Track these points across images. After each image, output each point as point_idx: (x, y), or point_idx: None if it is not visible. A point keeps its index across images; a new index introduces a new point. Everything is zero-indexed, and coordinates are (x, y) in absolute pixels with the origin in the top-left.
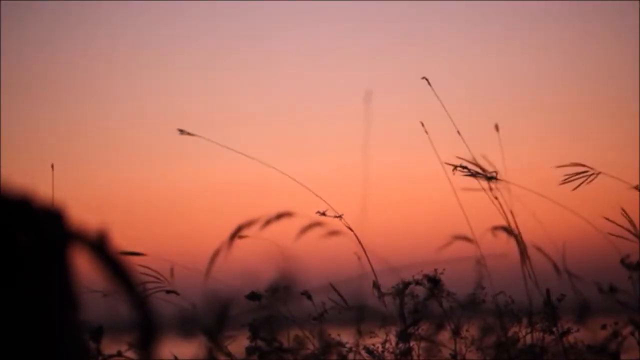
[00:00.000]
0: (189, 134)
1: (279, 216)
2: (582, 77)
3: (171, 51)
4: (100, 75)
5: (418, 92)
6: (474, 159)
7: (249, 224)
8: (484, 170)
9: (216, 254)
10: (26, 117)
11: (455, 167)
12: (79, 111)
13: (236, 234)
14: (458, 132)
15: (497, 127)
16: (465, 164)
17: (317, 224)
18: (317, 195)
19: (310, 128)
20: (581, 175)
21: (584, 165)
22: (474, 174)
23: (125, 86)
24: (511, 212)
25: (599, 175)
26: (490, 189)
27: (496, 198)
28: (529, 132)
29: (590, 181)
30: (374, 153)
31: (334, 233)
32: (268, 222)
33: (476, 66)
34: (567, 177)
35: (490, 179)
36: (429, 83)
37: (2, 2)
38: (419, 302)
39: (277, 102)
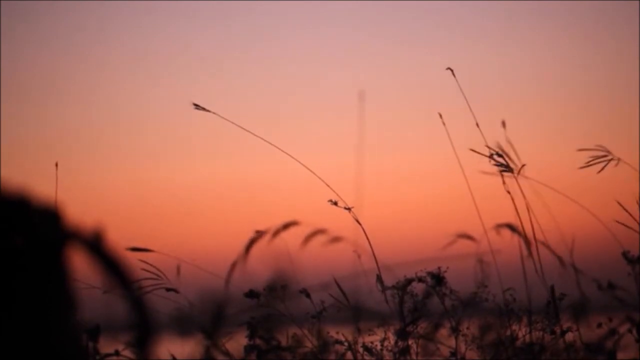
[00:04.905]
0: (203, 109)
1: (286, 225)
2: (582, 78)
3: (170, 53)
4: (101, 75)
5: (415, 91)
6: (502, 148)
7: (260, 235)
8: (511, 161)
9: (233, 266)
10: (26, 117)
11: (491, 155)
12: (81, 110)
13: (250, 246)
14: (477, 124)
15: (504, 124)
16: (495, 152)
17: (321, 231)
18: (328, 186)
19: (307, 128)
20: (602, 159)
21: (604, 149)
22: (505, 165)
23: (129, 85)
24: (527, 207)
25: (618, 169)
26: (504, 182)
27: (509, 192)
28: (530, 132)
29: (615, 165)
30: (376, 153)
31: (336, 239)
32: (277, 232)
33: (475, 66)
34: (590, 159)
35: (508, 170)
36: (453, 74)
37: (2, 2)
38: (418, 300)
39: (275, 101)
